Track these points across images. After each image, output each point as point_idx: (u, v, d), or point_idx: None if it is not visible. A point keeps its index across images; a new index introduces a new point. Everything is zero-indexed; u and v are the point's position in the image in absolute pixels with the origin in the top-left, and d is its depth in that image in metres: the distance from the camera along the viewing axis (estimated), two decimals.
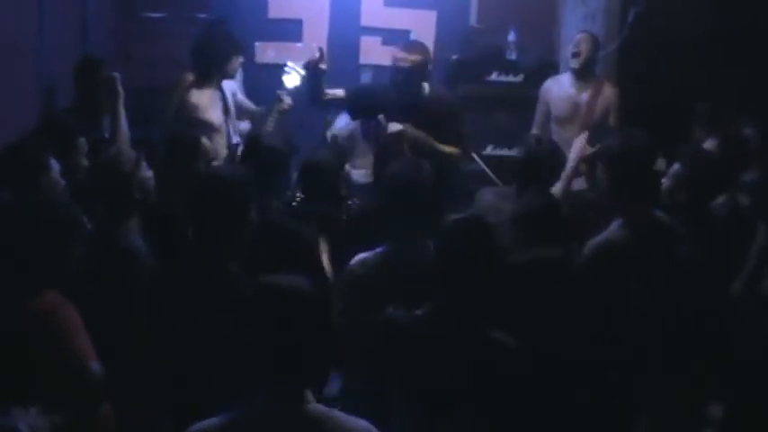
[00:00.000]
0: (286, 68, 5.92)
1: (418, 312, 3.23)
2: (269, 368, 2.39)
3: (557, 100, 6.30)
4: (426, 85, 5.65)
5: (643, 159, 4.07)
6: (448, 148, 5.55)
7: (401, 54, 5.56)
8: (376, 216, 4.46)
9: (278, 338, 2.37)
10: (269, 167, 4.45)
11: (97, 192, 4.10)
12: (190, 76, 5.98)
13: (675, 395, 4.03)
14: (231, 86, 6.23)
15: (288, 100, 5.96)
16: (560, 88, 6.32)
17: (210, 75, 5.95)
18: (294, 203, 4.77)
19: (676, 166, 4.38)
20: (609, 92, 6.18)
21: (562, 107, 6.26)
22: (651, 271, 3.94)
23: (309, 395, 2.42)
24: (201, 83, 5.92)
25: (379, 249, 3.83)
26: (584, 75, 6.19)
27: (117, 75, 5.21)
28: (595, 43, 6.20)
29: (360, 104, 5.49)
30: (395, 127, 5.33)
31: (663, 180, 4.39)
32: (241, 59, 6.23)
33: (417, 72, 5.53)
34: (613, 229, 4.02)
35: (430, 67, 5.65)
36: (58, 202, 3.36)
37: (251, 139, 4.90)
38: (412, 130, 5.37)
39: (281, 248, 3.78)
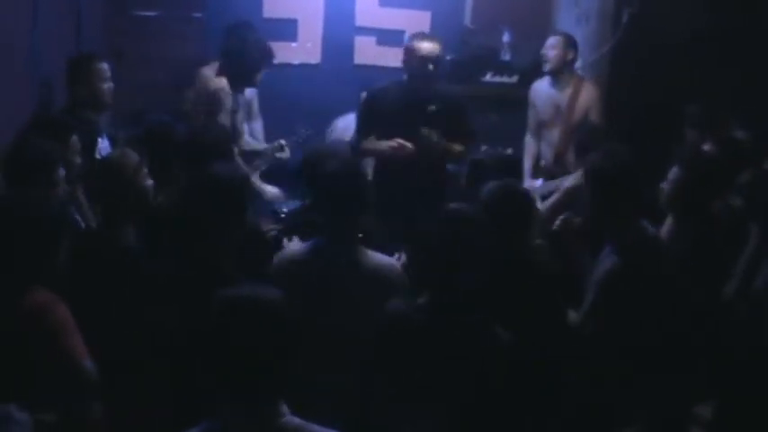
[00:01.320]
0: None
1: (420, 301, 3.28)
2: (239, 380, 2.33)
3: (540, 103, 6.34)
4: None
5: (626, 175, 4.04)
6: (457, 147, 5.58)
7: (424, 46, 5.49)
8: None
9: (244, 351, 2.32)
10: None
11: (97, 193, 4.09)
12: (207, 71, 6.05)
13: (668, 396, 4.03)
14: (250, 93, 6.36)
15: (288, 152, 5.97)
16: (542, 91, 6.36)
17: (238, 83, 6.04)
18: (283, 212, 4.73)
19: (675, 169, 4.38)
20: (588, 90, 6.19)
21: (544, 110, 6.30)
22: (647, 286, 3.95)
23: (284, 407, 2.38)
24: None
25: (307, 244, 3.85)
26: (559, 76, 6.21)
27: None
28: (566, 46, 6.18)
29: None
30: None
31: (662, 184, 4.40)
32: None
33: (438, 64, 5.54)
34: (605, 258, 4.03)
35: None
36: (48, 200, 3.35)
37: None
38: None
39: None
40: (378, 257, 3.82)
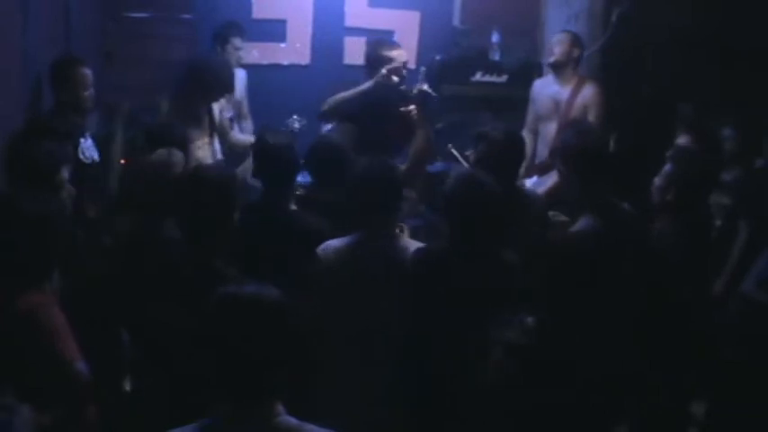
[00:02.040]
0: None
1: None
2: (235, 380, 2.33)
3: (540, 98, 6.36)
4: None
5: (597, 151, 4.19)
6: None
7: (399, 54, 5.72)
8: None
9: (242, 350, 2.32)
10: (279, 165, 4.34)
11: (144, 191, 4.17)
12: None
13: (657, 392, 4.05)
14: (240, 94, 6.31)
15: None
16: (543, 87, 6.38)
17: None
18: (299, 192, 4.75)
19: (668, 167, 4.41)
20: (589, 90, 6.21)
21: (543, 105, 6.32)
22: (622, 260, 3.98)
23: (280, 407, 2.37)
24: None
25: (348, 238, 3.88)
26: (563, 73, 6.24)
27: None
28: (573, 43, 6.23)
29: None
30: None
31: (654, 179, 4.42)
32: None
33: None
34: (581, 223, 4.08)
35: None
36: (44, 202, 3.35)
37: (258, 139, 4.79)
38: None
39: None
40: (412, 245, 3.90)
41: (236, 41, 6.58)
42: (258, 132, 5.02)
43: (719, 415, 4.44)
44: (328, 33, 7.29)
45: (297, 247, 3.95)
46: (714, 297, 4.62)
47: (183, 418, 2.45)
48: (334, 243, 3.88)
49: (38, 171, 3.89)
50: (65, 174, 3.99)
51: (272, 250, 3.97)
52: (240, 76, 6.58)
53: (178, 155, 4.28)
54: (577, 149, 4.17)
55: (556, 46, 6.24)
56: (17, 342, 3.01)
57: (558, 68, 6.23)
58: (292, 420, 2.37)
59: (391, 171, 3.96)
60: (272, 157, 4.30)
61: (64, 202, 3.87)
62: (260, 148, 4.42)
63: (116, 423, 3.45)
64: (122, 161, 5.39)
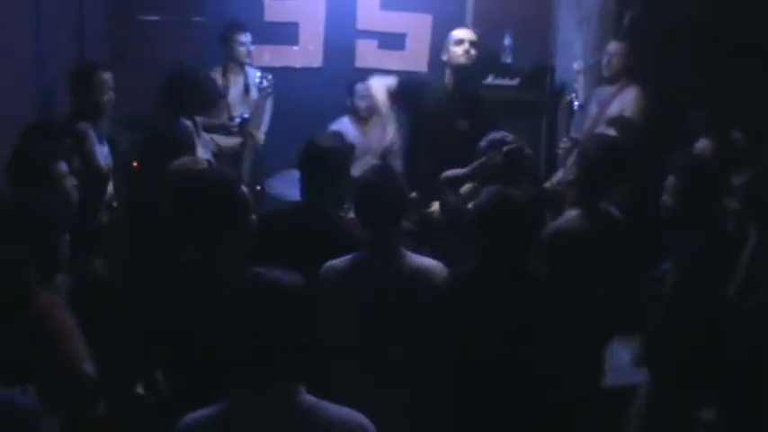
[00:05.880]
0: None
1: None
2: (257, 360, 2.40)
3: (590, 106, 6.39)
4: None
5: (611, 161, 4.21)
6: None
7: None
8: None
9: (264, 331, 2.39)
10: (327, 169, 4.16)
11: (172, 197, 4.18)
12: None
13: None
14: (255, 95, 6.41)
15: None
16: (599, 94, 6.41)
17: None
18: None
19: (671, 179, 4.38)
20: (630, 92, 6.18)
21: (591, 110, 6.35)
22: (606, 260, 4.03)
23: (300, 386, 2.44)
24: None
25: (351, 256, 3.76)
26: (616, 82, 6.28)
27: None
28: (629, 53, 6.26)
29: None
30: None
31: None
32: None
33: None
34: (571, 217, 4.13)
35: None
36: (41, 201, 3.36)
37: (306, 143, 4.68)
38: None
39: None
40: (420, 262, 3.75)
41: (240, 37, 6.60)
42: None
43: (728, 419, 4.42)
44: (340, 36, 7.32)
45: (335, 251, 3.85)
46: (726, 302, 4.59)
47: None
48: (335, 263, 3.75)
49: (32, 166, 3.92)
50: (62, 167, 4.01)
51: (312, 252, 3.84)
52: (252, 76, 6.61)
53: (202, 161, 4.32)
54: (592, 157, 4.21)
55: (614, 57, 6.24)
56: (25, 342, 3.02)
57: (613, 78, 6.24)
58: (311, 398, 2.45)
59: (387, 184, 3.78)
60: (317, 159, 4.14)
61: (65, 194, 3.90)
62: (306, 150, 4.23)
63: (129, 426, 3.46)
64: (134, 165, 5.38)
